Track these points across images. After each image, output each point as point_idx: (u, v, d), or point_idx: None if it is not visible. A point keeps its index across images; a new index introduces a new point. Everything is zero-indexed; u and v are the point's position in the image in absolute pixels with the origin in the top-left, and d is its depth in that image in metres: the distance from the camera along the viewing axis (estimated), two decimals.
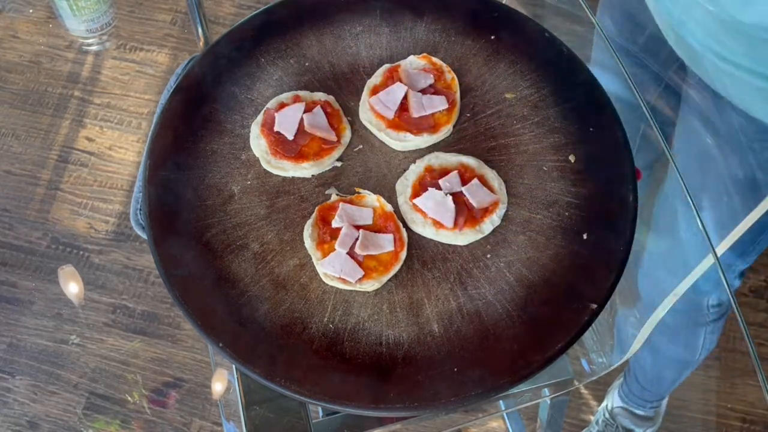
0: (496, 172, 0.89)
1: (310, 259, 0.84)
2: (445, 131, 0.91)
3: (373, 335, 0.80)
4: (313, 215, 0.85)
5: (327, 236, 0.83)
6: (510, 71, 0.96)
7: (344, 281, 0.81)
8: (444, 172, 0.88)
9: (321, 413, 0.90)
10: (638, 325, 0.97)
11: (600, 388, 1.62)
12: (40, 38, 2.00)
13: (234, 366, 0.79)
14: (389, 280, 0.82)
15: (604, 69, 1.03)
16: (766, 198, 0.74)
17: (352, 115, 0.94)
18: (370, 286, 0.81)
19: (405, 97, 0.92)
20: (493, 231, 0.85)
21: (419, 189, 0.86)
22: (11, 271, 1.73)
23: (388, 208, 0.86)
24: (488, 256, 0.84)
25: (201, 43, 1.18)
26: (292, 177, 0.89)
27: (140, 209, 0.89)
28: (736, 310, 0.92)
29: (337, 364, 0.77)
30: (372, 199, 0.86)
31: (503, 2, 1.01)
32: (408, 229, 0.85)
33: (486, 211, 0.85)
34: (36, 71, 1.96)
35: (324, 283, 0.82)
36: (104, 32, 1.71)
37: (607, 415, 1.53)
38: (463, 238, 0.84)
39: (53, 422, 1.58)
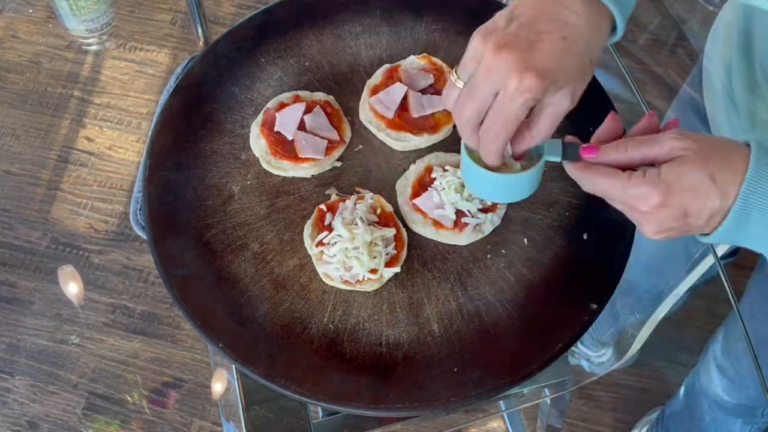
0: None
1: (310, 259, 0.83)
2: (445, 131, 0.91)
3: (373, 335, 0.80)
4: (313, 215, 0.85)
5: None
6: None
7: (344, 281, 0.81)
8: None
9: (321, 413, 0.90)
10: (638, 325, 0.98)
11: (599, 389, 1.62)
12: (40, 38, 2.00)
13: (234, 366, 0.79)
14: (389, 280, 0.82)
15: (604, 69, 1.03)
16: None
17: (352, 115, 0.94)
18: (370, 286, 0.81)
19: (405, 97, 0.91)
20: (493, 231, 0.85)
21: (419, 189, 0.86)
22: (11, 271, 1.73)
23: (388, 208, 0.86)
24: (488, 256, 0.84)
25: (201, 43, 1.18)
26: (292, 177, 0.89)
27: (140, 209, 0.89)
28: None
29: (337, 364, 0.77)
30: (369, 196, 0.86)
31: (503, 2, 1.01)
32: (408, 229, 0.85)
33: (486, 210, 0.85)
34: (36, 71, 1.96)
35: (324, 283, 0.82)
36: (104, 32, 1.71)
37: None
38: (463, 238, 0.84)
39: (53, 422, 1.58)
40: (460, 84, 0.65)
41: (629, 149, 0.63)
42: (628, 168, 0.64)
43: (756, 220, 0.60)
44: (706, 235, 0.63)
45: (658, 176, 0.61)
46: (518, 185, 0.70)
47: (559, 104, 0.64)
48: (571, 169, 0.67)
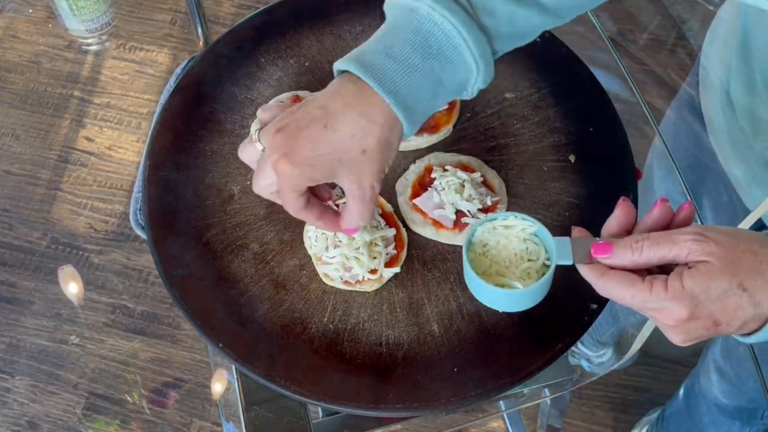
0: (496, 172, 0.89)
1: (310, 259, 0.83)
2: (445, 131, 0.91)
3: (373, 335, 0.80)
4: None
5: None
6: (510, 71, 0.96)
7: (344, 281, 0.81)
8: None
9: (321, 413, 0.90)
10: (638, 325, 0.97)
11: (599, 389, 1.62)
12: (40, 38, 2.00)
13: (234, 366, 0.79)
14: (389, 280, 0.82)
15: (604, 69, 1.03)
16: (766, 198, 0.74)
17: None
18: (370, 286, 0.81)
19: None
20: None
21: (419, 189, 0.86)
22: (11, 271, 1.73)
23: (388, 208, 0.86)
24: None
25: (201, 43, 1.18)
26: None
27: (140, 209, 0.89)
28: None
29: (337, 364, 0.77)
30: None
31: None
32: (408, 229, 0.85)
33: (486, 211, 0.85)
34: (36, 71, 1.96)
35: (324, 283, 0.82)
36: (104, 32, 1.71)
37: None
38: (463, 238, 0.84)
39: (53, 422, 1.58)
40: (258, 146, 0.66)
41: (645, 250, 0.60)
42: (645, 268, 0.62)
43: None
44: (745, 335, 0.61)
45: (682, 288, 0.58)
46: (523, 297, 0.67)
47: (348, 191, 0.65)
48: (586, 273, 0.63)
